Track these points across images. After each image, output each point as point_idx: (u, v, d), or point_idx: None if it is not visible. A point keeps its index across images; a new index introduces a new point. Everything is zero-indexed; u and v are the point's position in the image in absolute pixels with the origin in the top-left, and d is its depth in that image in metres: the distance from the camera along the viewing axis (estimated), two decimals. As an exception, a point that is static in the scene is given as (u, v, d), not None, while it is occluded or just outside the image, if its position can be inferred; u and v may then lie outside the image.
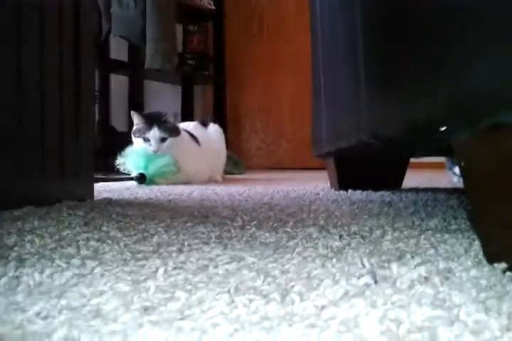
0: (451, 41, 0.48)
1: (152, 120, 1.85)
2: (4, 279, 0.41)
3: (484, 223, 0.47)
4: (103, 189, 1.45)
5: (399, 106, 0.63)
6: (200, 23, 3.58)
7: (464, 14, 0.45)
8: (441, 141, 0.68)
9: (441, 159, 1.57)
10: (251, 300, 0.35)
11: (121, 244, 0.55)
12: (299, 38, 3.65)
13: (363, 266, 0.45)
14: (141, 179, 1.78)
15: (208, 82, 3.76)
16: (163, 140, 1.82)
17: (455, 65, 0.47)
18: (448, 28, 0.48)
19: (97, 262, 0.47)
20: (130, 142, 1.91)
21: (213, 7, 3.55)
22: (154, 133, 1.81)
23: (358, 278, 0.40)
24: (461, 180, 0.50)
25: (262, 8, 3.83)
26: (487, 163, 0.44)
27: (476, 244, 0.53)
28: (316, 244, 0.56)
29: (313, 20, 1.23)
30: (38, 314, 0.32)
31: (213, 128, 2.20)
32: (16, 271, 0.43)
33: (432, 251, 0.51)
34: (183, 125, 2.08)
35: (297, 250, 0.52)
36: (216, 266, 0.45)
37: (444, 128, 0.50)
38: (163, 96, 3.59)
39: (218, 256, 0.49)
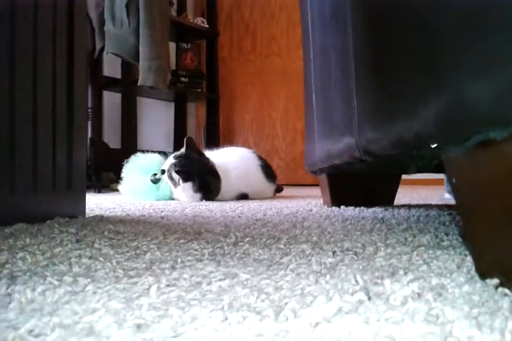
0: (441, 60, 0.49)
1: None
2: (-4, 297, 0.40)
3: (476, 239, 0.47)
4: (95, 205, 1.44)
5: (390, 123, 0.63)
6: (193, 41, 3.61)
7: (452, 34, 0.46)
8: (433, 158, 0.68)
9: (433, 175, 1.58)
10: (244, 317, 0.35)
11: (114, 261, 0.55)
12: (291, 55, 3.69)
13: (356, 282, 0.45)
14: (158, 178, 1.79)
15: (201, 99, 3.78)
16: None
17: (444, 84, 0.47)
18: (437, 48, 0.49)
19: (89, 279, 0.46)
20: (122, 159, 1.91)
21: (206, 25, 3.59)
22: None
23: (352, 294, 0.40)
24: (453, 196, 0.51)
25: (255, 25, 3.87)
26: (478, 180, 0.44)
27: (469, 260, 0.53)
28: (310, 260, 0.56)
29: (305, 38, 1.25)
30: (30, 331, 0.32)
31: None
32: (7, 288, 0.43)
33: (424, 268, 0.51)
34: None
35: (290, 266, 0.52)
36: (209, 283, 0.45)
37: (434, 146, 0.50)
38: (156, 113, 3.60)
39: (211, 272, 0.49)
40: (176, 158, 1.80)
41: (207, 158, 1.82)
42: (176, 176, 1.76)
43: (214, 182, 1.80)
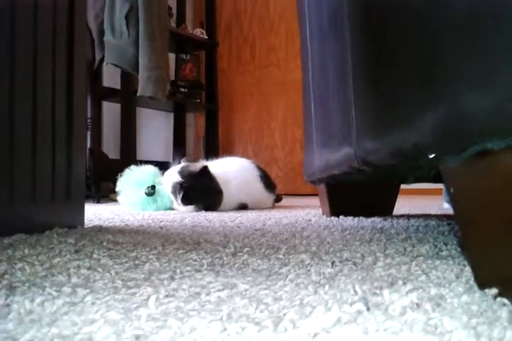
0: (438, 71, 0.49)
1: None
2: (-6, 308, 0.40)
3: (474, 249, 0.47)
4: (94, 216, 1.44)
5: (388, 134, 0.64)
6: (192, 52, 3.62)
7: (450, 45, 0.46)
8: (431, 168, 0.68)
9: (432, 185, 1.59)
10: (243, 328, 0.34)
11: (113, 272, 0.55)
12: (290, 65, 3.71)
13: (355, 292, 0.45)
14: (152, 191, 1.80)
15: (200, 110, 3.79)
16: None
17: (442, 94, 0.48)
18: (435, 59, 0.50)
19: (88, 290, 0.46)
20: (121, 169, 1.92)
21: (205, 36, 3.61)
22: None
23: (351, 304, 0.40)
24: (451, 206, 0.51)
25: (254, 36, 3.90)
26: (476, 190, 0.45)
27: (467, 270, 0.53)
28: (309, 270, 0.56)
29: (304, 49, 1.26)
30: (28, 343, 0.32)
31: None
32: (6, 299, 0.43)
33: (423, 278, 0.51)
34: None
35: (290, 277, 0.52)
36: (208, 294, 0.45)
37: (432, 156, 0.51)
38: (156, 124, 3.61)
39: (210, 283, 0.49)
40: (181, 176, 1.80)
41: (211, 177, 1.82)
42: (179, 198, 1.77)
43: (216, 199, 1.81)
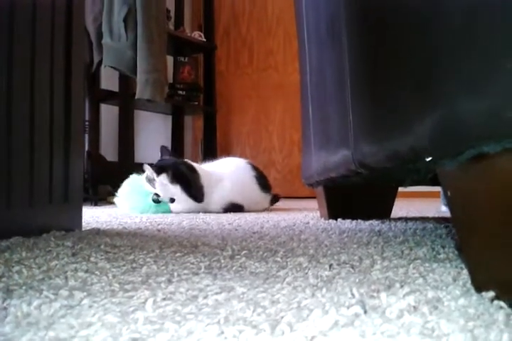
0: (435, 76, 0.49)
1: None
2: (-9, 311, 0.40)
3: (472, 252, 0.47)
4: (92, 218, 1.44)
5: (385, 137, 0.64)
6: (190, 55, 3.63)
7: (447, 50, 0.47)
8: (428, 171, 0.69)
9: (430, 188, 1.59)
10: (240, 331, 0.35)
11: (110, 275, 0.55)
12: (288, 68, 3.72)
13: (353, 295, 0.45)
14: (157, 198, 1.81)
15: (198, 112, 3.79)
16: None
17: (438, 98, 0.48)
18: (431, 64, 0.50)
19: (85, 293, 0.46)
20: (119, 172, 1.92)
21: (204, 39, 3.62)
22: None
23: (348, 307, 0.40)
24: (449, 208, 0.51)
25: (252, 39, 3.91)
26: (473, 193, 0.45)
27: (464, 273, 0.53)
28: (306, 273, 0.56)
29: (302, 52, 1.26)
30: (25, 346, 0.32)
31: None
32: (3, 302, 0.43)
33: (420, 281, 0.51)
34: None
35: (287, 280, 0.52)
36: (206, 297, 0.45)
37: (429, 159, 0.51)
38: (154, 126, 3.61)
39: (208, 286, 0.49)
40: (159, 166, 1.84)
41: (193, 169, 1.84)
42: (150, 172, 1.77)
43: (190, 174, 1.81)
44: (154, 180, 1.78)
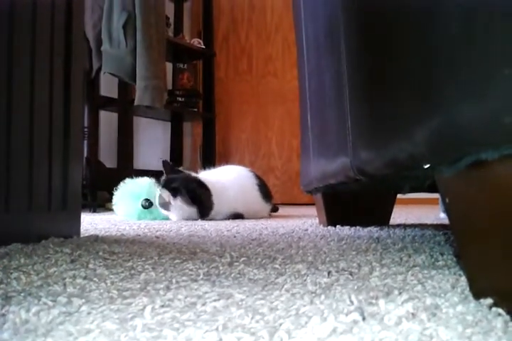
0: (433, 82, 0.49)
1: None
2: (-11, 318, 0.40)
3: (470, 259, 0.47)
4: (90, 225, 1.44)
5: (383, 144, 0.64)
6: (189, 61, 3.64)
7: (445, 57, 0.47)
8: (426, 178, 0.69)
9: (429, 195, 1.59)
10: (239, 338, 0.35)
11: (108, 282, 0.55)
12: (287, 75, 3.73)
13: (351, 302, 0.45)
14: (147, 204, 1.80)
15: (197, 119, 3.80)
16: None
17: (436, 105, 0.48)
18: (429, 70, 0.50)
19: (83, 300, 0.46)
20: (118, 178, 1.92)
21: (203, 46, 3.63)
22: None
23: (346, 314, 0.40)
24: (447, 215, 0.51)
25: (251, 46, 3.92)
26: (471, 200, 0.45)
27: (463, 280, 0.53)
28: (305, 280, 0.56)
29: (300, 59, 1.26)
30: (23, 353, 0.32)
31: None
32: (2, 308, 0.43)
33: (419, 288, 0.51)
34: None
35: (286, 287, 0.52)
36: (204, 304, 0.45)
37: (427, 166, 0.51)
38: (153, 133, 3.62)
39: (206, 293, 0.49)
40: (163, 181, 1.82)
41: (201, 184, 1.83)
42: (166, 195, 1.76)
43: (204, 192, 1.80)
44: (170, 203, 1.77)
